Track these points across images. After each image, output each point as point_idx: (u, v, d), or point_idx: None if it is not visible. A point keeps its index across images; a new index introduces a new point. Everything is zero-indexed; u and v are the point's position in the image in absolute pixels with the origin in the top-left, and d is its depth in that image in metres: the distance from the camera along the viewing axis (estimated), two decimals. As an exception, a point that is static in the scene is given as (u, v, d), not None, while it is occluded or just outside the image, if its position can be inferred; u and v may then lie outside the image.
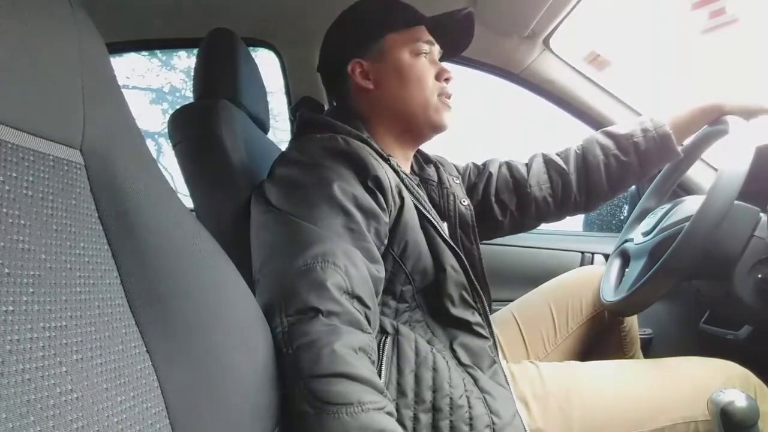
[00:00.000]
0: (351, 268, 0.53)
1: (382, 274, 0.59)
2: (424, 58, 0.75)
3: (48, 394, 0.25)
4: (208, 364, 0.37)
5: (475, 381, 0.62)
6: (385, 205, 0.62)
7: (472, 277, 0.70)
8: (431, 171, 0.87)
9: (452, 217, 0.83)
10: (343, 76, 0.76)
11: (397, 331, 0.62)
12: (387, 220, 0.62)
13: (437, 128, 0.76)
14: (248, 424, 0.40)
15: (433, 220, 0.68)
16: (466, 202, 0.85)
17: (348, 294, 0.51)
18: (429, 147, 0.88)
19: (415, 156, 0.86)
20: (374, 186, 0.61)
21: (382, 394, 0.47)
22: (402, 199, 0.65)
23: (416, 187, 0.72)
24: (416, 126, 0.75)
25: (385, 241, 0.63)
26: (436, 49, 0.77)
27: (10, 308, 0.25)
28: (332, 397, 0.43)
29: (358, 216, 0.58)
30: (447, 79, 0.76)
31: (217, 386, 0.37)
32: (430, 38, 0.76)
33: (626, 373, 0.70)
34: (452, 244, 0.69)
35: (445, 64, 0.79)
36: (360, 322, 0.50)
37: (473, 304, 0.69)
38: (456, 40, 0.81)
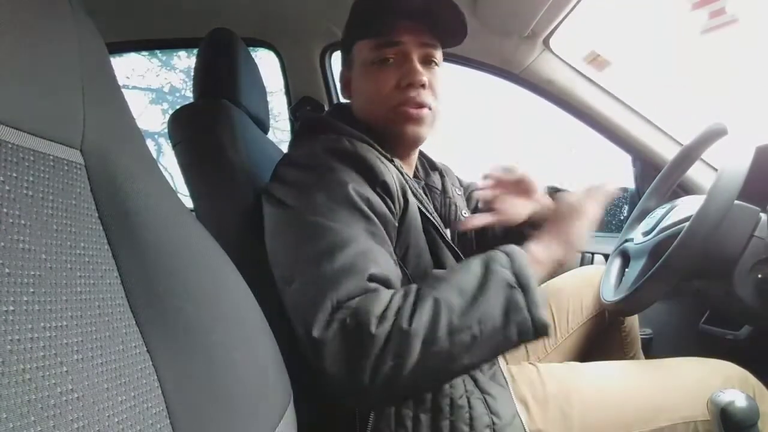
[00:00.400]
0: (384, 264, 0.55)
1: (399, 276, 0.60)
2: (388, 66, 0.67)
3: (48, 393, 0.25)
4: (208, 364, 0.37)
5: (475, 381, 0.62)
6: (393, 209, 0.62)
7: None
8: (436, 178, 0.85)
9: (453, 227, 0.82)
10: None
11: None
12: (396, 224, 0.62)
13: (406, 141, 0.71)
14: (250, 421, 0.40)
15: (435, 222, 0.68)
16: (468, 214, 0.84)
17: (384, 284, 0.53)
18: (426, 148, 0.87)
19: (420, 160, 0.85)
20: (382, 191, 0.61)
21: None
22: (406, 201, 0.65)
23: (419, 190, 0.70)
24: (388, 137, 0.69)
25: (393, 245, 0.63)
26: (411, 47, 0.67)
27: (11, 308, 0.25)
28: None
29: (376, 220, 0.58)
30: (409, 84, 0.66)
31: (218, 385, 0.37)
32: (399, 38, 0.67)
33: (625, 373, 0.70)
34: (454, 246, 0.69)
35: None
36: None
37: None
38: (447, 26, 0.69)
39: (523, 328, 0.50)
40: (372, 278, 0.52)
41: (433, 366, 0.48)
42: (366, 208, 0.57)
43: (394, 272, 0.56)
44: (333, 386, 0.49)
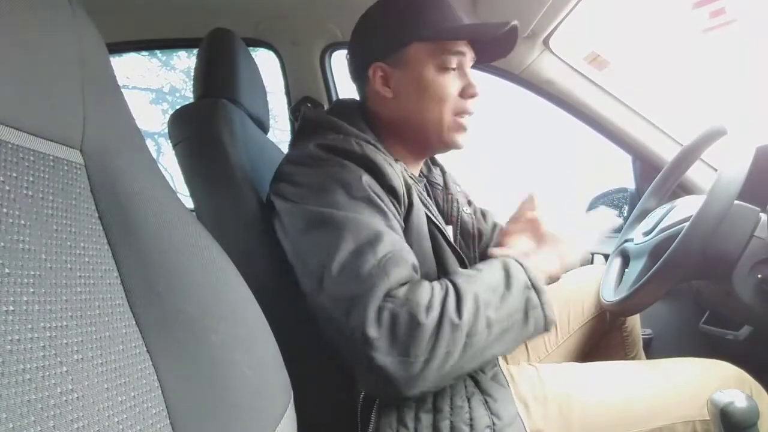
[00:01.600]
0: (409, 253, 0.59)
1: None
2: (451, 72, 0.69)
3: (48, 394, 0.25)
4: (208, 364, 0.37)
5: (476, 383, 0.62)
6: (399, 210, 0.63)
7: None
8: (437, 174, 0.85)
9: (455, 223, 0.82)
10: (362, 76, 0.73)
11: None
12: (402, 224, 0.64)
13: (449, 148, 0.73)
14: (250, 422, 0.40)
15: (438, 224, 0.68)
16: (469, 210, 0.84)
17: (417, 272, 0.58)
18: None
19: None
20: (389, 193, 0.62)
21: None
22: (410, 203, 0.65)
23: (423, 193, 0.71)
24: (429, 142, 0.73)
25: None
26: (468, 58, 0.70)
27: (11, 308, 0.25)
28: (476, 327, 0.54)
29: (390, 215, 0.60)
30: (472, 95, 0.70)
31: (218, 386, 0.37)
32: (461, 49, 0.69)
33: (624, 374, 0.70)
34: (457, 248, 0.69)
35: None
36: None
37: None
38: (495, 49, 0.73)
39: (539, 323, 0.59)
40: (413, 266, 0.56)
41: (472, 354, 0.54)
42: (381, 203, 0.60)
43: (415, 260, 0.59)
44: (383, 377, 0.51)
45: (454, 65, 0.69)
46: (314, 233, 0.59)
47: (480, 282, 0.57)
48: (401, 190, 0.63)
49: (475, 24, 0.71)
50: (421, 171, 0.83)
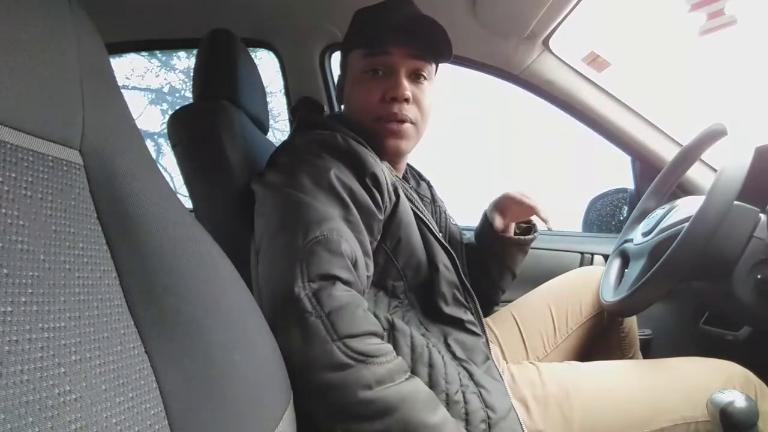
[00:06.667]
0: (356, 247, 0.57)
1: (371, 270, 0.62)
2: (378, 75, 0.70)
3: (46, 395, 0.25)
4: (207, 365, 0.37)
5: (470, 375, 0.62)
6: (381, 203, 0.64)
7: (464, 278, 0.71)
8: (425, 188, 0.90)
9: (444, 233, 0.85)
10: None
11: (392, 326, 0.62)
12: (381, 217, 0.64)
13: (383, 152, 0.71)
14: (249, 422, 0.40)
15: (426, 220, 0.70)
16: (455, 222, 0.89)
17: (354, 266, 0.56)
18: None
19: (411, 171, 0.89)
20: (371, 183, 0.63)
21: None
22: (397, 196, 0.67)
23: (410, 190, 0.73)
24: (372, 145, 0.69)
25: (378, 237, 0.65)
26: (397, 60, 0.69)
27: (9, 309, 0.25)
28: (371, 351, 0.50)
29: (354, 210, 0.60)
30: (393, 99, 0.69)
31: (217, 386, 0.37)
32: (388, 50, 0.68)
33: (627, 373, 0.70)
34: (445, 243, 0.71)
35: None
36: (362, 291, 0.57)
37: (465, 303, 0.70)
38: (432, 43, 0.70)
39: None
40: (344, 253, 0.55)
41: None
42: (346, 196, 0.60)
43: (361, 258, 0.58)
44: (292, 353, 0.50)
45: (380, 68, 0.70)
46: (267, 211, 0.61)
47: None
48: (384, 180, 0.64)
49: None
50: (409, 182, 0.86)
